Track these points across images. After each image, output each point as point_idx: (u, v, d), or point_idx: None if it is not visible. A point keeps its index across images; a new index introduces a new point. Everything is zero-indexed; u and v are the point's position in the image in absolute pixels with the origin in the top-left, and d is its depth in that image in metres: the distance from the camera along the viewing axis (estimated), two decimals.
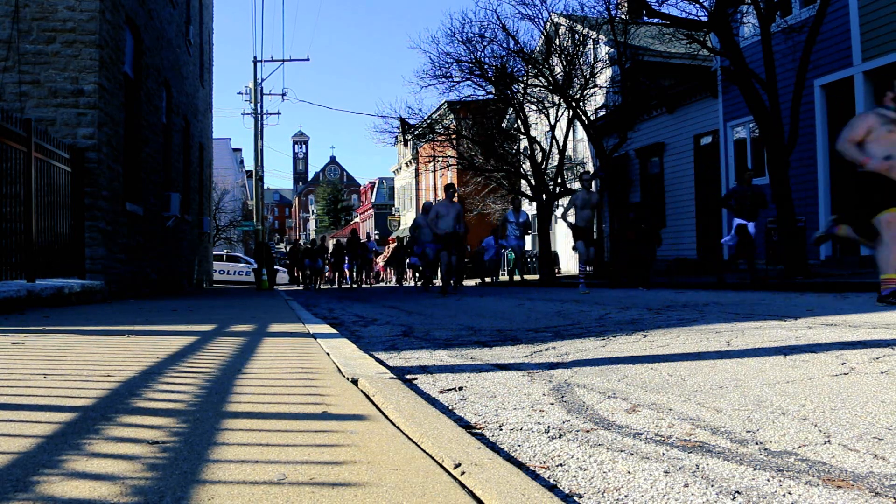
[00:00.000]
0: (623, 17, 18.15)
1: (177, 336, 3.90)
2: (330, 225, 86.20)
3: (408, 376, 2.74)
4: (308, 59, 29.85)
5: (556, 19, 20.82)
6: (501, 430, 1.86)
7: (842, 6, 12.16)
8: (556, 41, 20.39)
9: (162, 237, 13.11)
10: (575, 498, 1.31)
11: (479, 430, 1.86)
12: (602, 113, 20.74)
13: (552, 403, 2.17)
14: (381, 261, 33.64)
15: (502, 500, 1.15)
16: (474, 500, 1.18)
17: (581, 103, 18.92)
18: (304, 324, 4.85)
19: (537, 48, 20.86)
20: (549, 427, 1.85)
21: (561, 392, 2.34)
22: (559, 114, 20.79)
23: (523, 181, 21.57)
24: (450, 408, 2.16)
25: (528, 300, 8.62)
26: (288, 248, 29.07)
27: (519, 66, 20.38)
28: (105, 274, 9.29)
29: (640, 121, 19.19)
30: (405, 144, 34.08)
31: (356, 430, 1.63)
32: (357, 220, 71.36)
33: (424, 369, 2.98)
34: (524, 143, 23.04)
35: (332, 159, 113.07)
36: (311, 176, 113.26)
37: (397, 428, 1.68)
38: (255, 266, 24.09)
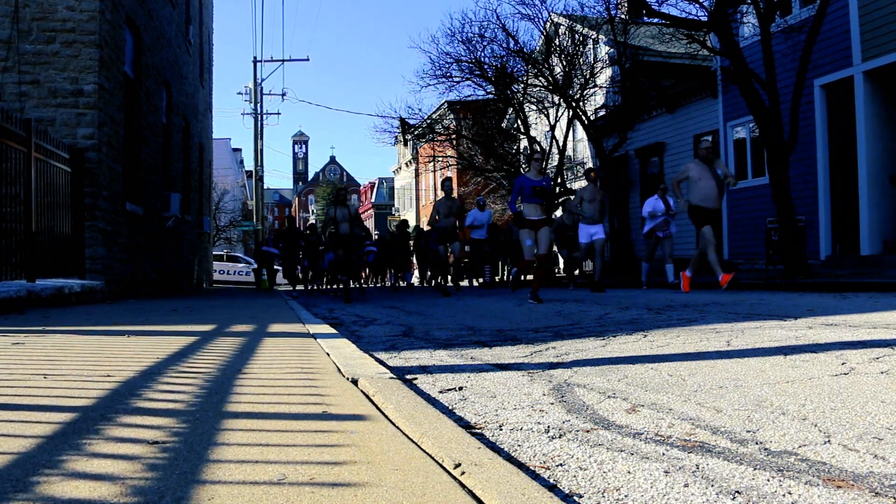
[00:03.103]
0: (623, 17, 18.14)
1: (177, 336, 3.90)
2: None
3: (408, 376, 2.74)
4: (308, 59, 29.92)
5: (555, 19, 20.83)
6: (501, 430, 1.86)
7: (842, 6, 12.15)
8: (556, 41, 20.40)
9: (162, 237, 13.11)
10: (575, 498, 1.31)
11: (479, 430, 1.86)
12: (602, 113, 20.74)
13: (552, 403, 2.17)
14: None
15: (502, 500, 1.15)
16: (474, 500, 1.18)
17: (581, 103, 18.92)
18: (304, 324, 4.85)
19: (537, 48, 20.87)
20: (549, 427, 1.85)
21: (561, 392, 2.34)
22: (559, 114, 20.80)
23: None
24: (450, 408, 2.16)
25: (528, 300, 8.62)
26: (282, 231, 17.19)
27: (519, 66, 20.39)
28: (105, 274, 9.29)
29: (640, 121, 19.18)
30: (405, 144, 34.08)
31: (356, 430, 1.63)
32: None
33: (424, 369, 2.98)
34: (524, 143, 23.06)
35: (332, 159, 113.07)
36: (311, 176, 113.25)
37: (397, 428, 1.68)
38: (255, 266, 24.06)
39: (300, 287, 17.16)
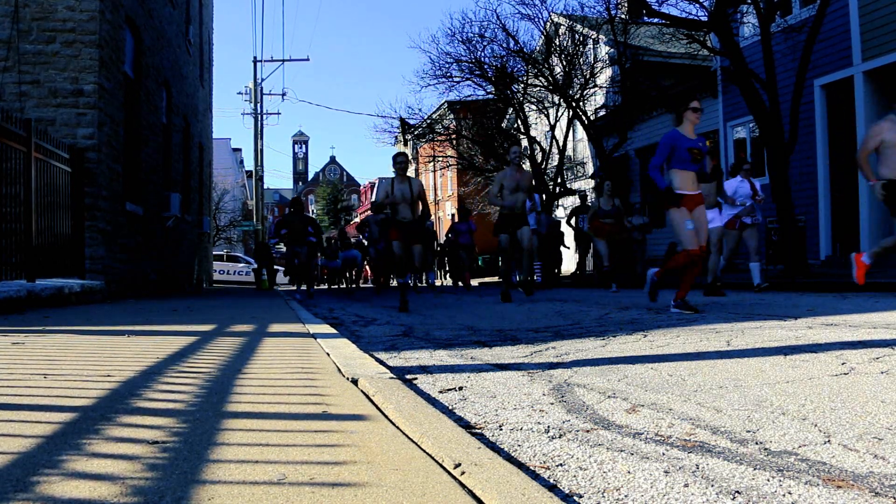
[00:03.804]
0: (623, 17, 18.15)
1: (177, 336, 3.90)
2: (330, 225, 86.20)
3: (408, 376, 2.74)
4: (308, 59, 29.93)
5: (556, 19, 20.83)
6: (501, 430, 1.86)
7: (842, 6, 12.16)
8: (556, 41, 20.40)
9: (162, 237, 13.11)
10: (575, 498, 1.31)
11: (479, 430, 1.86)
12: (602, 113, 20.75)
13: (552, 403, 2.17)
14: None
15: (502, 500, 1.15)
16: (474, 500, 1.18)
17: (581, 103, 18.93)
18: (304, 324, 4.85)
19: (537, 48, 20.87)
20: (549, 427, 1.85)
21: (561, 392, 2.34)
22: (559, 114, 20.80)
23: None
24: (450, 408, 2.16)
25: (529, 300, 8.62)
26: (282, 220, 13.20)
27: (519, 66, 20.40)
28: (105, 274, 9.29)
29: (639, 121, 19.19)
30: (405, 144, 34.08)
31: (356, 430, 1.63)
32: (356, 220, 71.40)
33: (424, 369, 2.98)
34: (524, 143, 23.05)
35: (332, 159, 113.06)
36: (311, 176, 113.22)
37: (397, 428, 1.68)
38: (255, 266, 24.04)
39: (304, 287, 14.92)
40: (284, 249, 13.61)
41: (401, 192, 7.80)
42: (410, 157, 42.95)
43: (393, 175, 8.01)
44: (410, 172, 50.62)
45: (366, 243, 16.47)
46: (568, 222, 16.30)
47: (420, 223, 8.00)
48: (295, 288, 15.22)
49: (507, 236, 8.50)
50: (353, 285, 18.86)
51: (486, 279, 23.27)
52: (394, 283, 19.70)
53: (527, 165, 21.59)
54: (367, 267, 21.69)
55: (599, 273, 12.44)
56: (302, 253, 12.55)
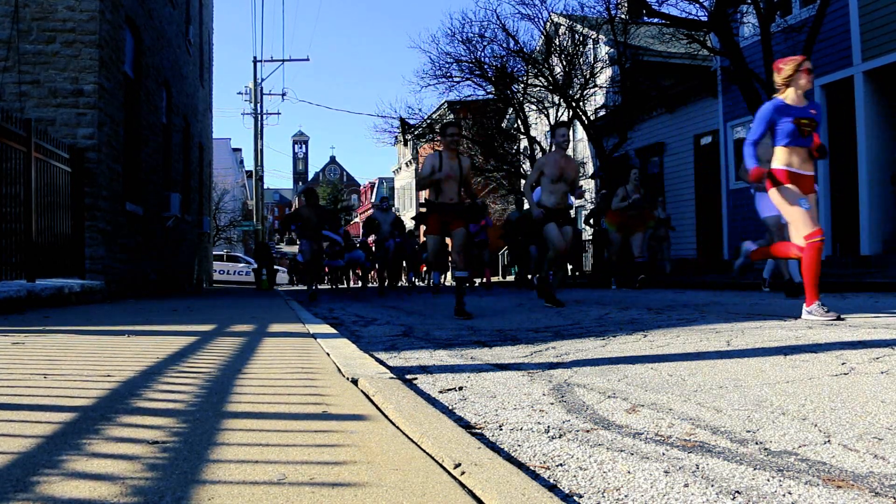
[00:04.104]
0: (623, 17, 18.16)
1: (177, 336, 3.90)
2: None
3: (408, 376, 2.74)
4: (308, 59, 29.92)
5: (556, 19, 20.84)
6: (501, 430, 1.86)
7: (842, 6, 12.16)
8: (556, 41, 20.41)
9: (162, 237, 13.11)
10: (575, 498, 1.31)
11: (479, 430, 1.86)
12: (602, 113, 20.75)
13: (552, 403, 2.17)
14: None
15: (502, 500, 1.15)
16: (474, 500, 1.18)
17: (581, 103, 18.93)
18: (304, 324, 4.85)
19: (537, 48, 20.89)
20: (549, 427, 1.85)
21: (561, 392, 2.34)
22: (559, 114, 20.81)
23: (523, 181, 21.59)
24: (450, 408, 2.16)
25: (529, 300, 8.62)
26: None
27: (519, 66, 20.42)
28: (105, 274, 9.29)
29: (640, 121, 19.19)
30: (405, 144, 34.07)
31: (356, 430, 1.63)
32: (357, 220, 71.45)
33: (424, 369, 2.98)
34: (524, 143, 23.06)
35: (332, 159, 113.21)
36: (311, 176, 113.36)
37: (397, 428, 1.68)
38: (255, 266, 24.04)
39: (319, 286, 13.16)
40: (300, 246, 12.70)
41: (450, 167, 6.53)
42: (411, 158, 42.94)
43: (441, 150, 6.69)
44: (411, 172, 49.47)
45: (372, 239, 15.70)
46: (586, 222, 15.98)
47: (464, 206, 6.75)
48: (305, 288, 13.99)
49: (555, 225, 6.91)
50: (360, 285, 18.71)
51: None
52: (402, 282, 19.39)
53: (527, 166, 21.61)
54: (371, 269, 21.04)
55: (611, 268, 12.12)
56: (307, 249, 11.71)
